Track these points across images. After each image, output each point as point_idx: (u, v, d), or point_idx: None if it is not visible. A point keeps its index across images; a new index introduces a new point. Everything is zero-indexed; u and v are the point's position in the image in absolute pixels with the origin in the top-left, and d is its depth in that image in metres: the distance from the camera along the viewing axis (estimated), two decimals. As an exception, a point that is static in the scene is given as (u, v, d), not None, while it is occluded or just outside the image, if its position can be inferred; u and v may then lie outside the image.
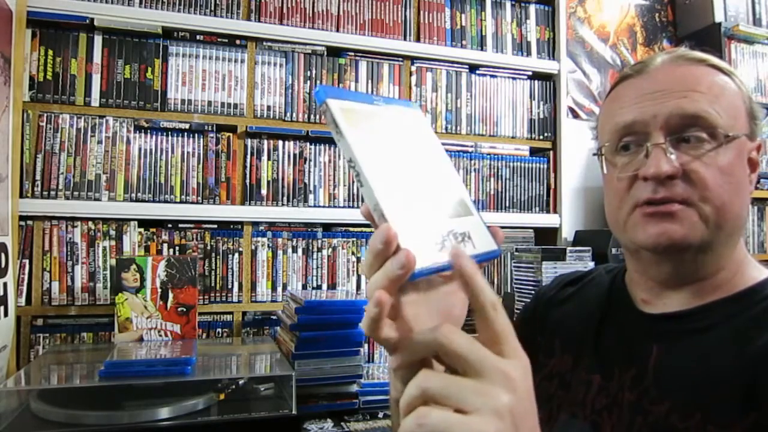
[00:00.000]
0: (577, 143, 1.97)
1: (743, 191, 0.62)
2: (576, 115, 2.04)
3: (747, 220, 0.64)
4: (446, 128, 1.85)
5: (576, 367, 0.70)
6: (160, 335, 1.38)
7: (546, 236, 1.95)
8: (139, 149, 1.54)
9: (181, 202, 1.56)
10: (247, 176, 1.63)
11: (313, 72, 1.71)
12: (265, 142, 1.65)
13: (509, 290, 1.83)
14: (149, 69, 1.56)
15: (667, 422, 0.57)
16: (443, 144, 1.84)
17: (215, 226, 1.59)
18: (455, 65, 1.87)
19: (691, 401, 0.56)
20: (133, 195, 1.53)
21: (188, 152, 1.58)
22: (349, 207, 1.71)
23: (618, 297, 0.72)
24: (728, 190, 0.59)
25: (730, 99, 0.62)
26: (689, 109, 0.60)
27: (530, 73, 1.96)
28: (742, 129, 0.62)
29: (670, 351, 0.61)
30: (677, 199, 0.59)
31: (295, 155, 1.67)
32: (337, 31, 1.73)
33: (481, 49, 1.90)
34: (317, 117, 1.71)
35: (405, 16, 1.81)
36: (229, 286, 1.59)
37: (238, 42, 1.63)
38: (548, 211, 1.95)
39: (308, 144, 1.69)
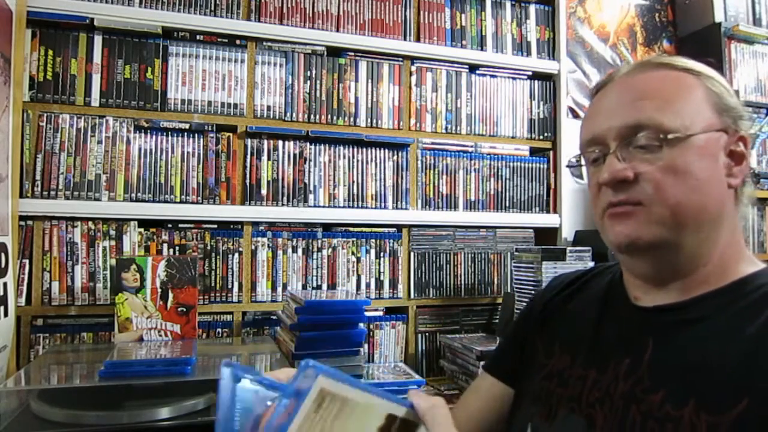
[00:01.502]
0: (577, 143, 1.96)
1: (708, 187, 0.62)
2: (576, 115, 2.04)
3: (725, 215, 0.64)
4: (446, 128, 1.85)
5: (574, 365, 0.71)
6: (160, 335, 1.37)
7: (546, 236, 1.95)
8: (139, 149, 1.54)
9: (181, 202, 1.56)
10: (247, 176, 1.63)
11: (313, 72, 1.71)
12: (265, 142, 1.65)
13: (509, 290, 1.83)
14: (149, 69, 1.56)
15: (661, 410, 0.58)
16: (443, 144, 1.82)
17: (215, 226, 1.60)
18: (455, 65, 1.87)
19: (685, 389, 0.58)
20: (133, 195, 1.53)
21: (188, 152, 1.58)
22: (349, 207, 1.71)
23: (615, 294, 0.74)
24: (684, 189, 0.61)
25: (688, 99, 0.64)
26: (632, 120, 0.63)
27: (530, 73, 1.96)
28: (707, 125, 0.63)
29: (664, 342, 0.63)
30: (632, 201, 0.63)
31: (295, 155, 1.67)
32: (337, 31, 1.73)
33: (481, 49, 1.90)
34: (317, 117, 1.71)
35: (405, 16, 1.81)
36: (229, 286, 1.59)
37: (238, 42, 1.63)
38: (548, 211, 1.95)
39: (308, 144, 1.69)
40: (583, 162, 0.72)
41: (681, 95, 0.64)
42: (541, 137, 1.97)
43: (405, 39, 1.81)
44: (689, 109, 0.63)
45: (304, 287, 1.67)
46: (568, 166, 0.76)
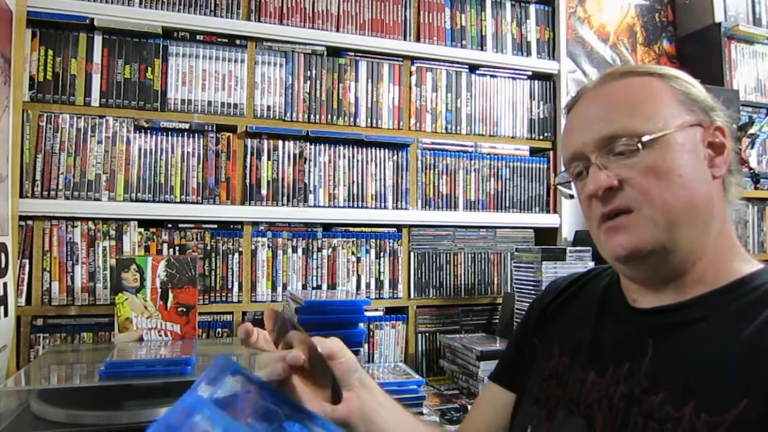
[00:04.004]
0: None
1: (692, 182, 0.63)
2: (576, 115, 2.04)
3: (715, 206, 0.65)
4: (446, 128, 1.85)
5: (573, 367, 0.72)
6: (160, 335, 1.38)
7: (546, 236, 1.95)
8: (139, 149, 1.54)
9: (181, 202, 1.56)
10: (247, 176, 1.63)
11: (313, 72, 1.71)
12: (265, 142, 1.65)
13: (509, 290, 1.83)
14: (149, 69, 1.56)
15: (661, 411, 0.59)
16: (443, 144, 1.82)
17: (215, 226, 1.60)
18: (455, 65, 1.87)
19: (685, 390, 0.58)
20: (133, 195, 1.53)
21: (188, 152, 1.58)
22: (349, 207, 1.71)
23: (613, 296, 0.75)
24: (668, 188, 0.62)
25: (655, 101, 0.66)
26: (606, 132, 0.65)
27: (530, 73, 1.96)
28: (680, 123, 0.64)
29: (664, 343, 0.63)
30: (622, 208, 0.64)
31: (295, 155, 1.67)
32: (337, 31, 1.73)
33: (481, 49, 1.90)
34: (317, 117, 1.71)
35: (405, 16, 1.81)
36: (229, 286, 1.59)
37: (238, 42, 1.63)
38: (548, 211, 1.95)
39: (308, 144, 1.69)
40: (570, 178, 0.74)
41: (648, 99, 0.66)
42: (541, 137, 1.97)
43: (405, 39, 1.81)
44: (659, 110, 0.65)
45: (304, 287, 1.67)
46: (558, 184, 0.77)
